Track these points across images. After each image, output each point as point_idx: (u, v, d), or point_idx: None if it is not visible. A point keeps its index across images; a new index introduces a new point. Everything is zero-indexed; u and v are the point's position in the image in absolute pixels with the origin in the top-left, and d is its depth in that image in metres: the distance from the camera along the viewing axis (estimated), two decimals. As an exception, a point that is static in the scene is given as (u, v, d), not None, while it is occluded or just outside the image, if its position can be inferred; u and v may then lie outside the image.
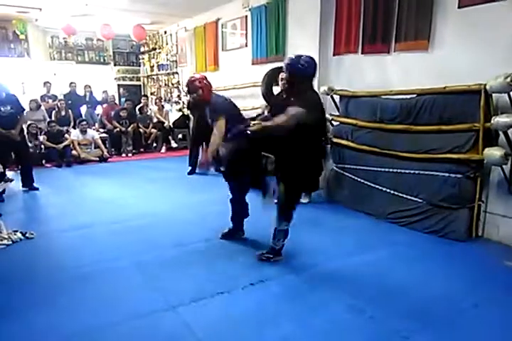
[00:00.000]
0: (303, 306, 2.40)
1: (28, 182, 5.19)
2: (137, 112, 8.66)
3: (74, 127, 7.79)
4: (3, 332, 2.15)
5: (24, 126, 5.70)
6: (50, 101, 8.37)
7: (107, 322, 2.23)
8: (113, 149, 8.14)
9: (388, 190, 3.92)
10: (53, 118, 7.70)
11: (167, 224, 3.91)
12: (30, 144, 6.24)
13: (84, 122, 7.48)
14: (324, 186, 4.69)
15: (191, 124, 6.60)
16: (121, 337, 2.13)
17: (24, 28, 8.59)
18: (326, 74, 4.99)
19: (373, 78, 4.39)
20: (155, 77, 10.34)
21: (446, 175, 3.47)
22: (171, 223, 3.93)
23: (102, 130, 8.30)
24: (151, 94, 10.43)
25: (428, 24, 3.81)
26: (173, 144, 8.86)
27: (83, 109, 8.98)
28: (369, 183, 4.14)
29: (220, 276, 2.76)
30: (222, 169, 3.23)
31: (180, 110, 8.76)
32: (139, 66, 10.95)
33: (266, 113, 5.72)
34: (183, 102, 8.52)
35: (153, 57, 10.22)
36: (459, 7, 3.57)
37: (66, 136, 7.29)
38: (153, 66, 10.32)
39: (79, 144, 7.27)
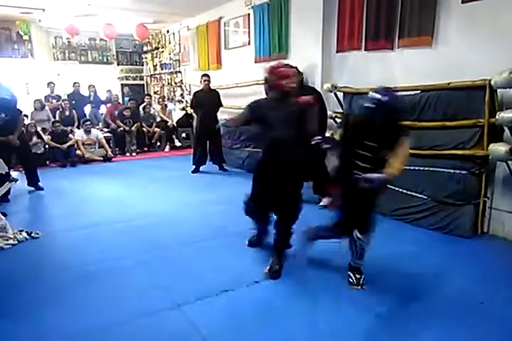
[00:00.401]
0: (308, 304, 2.39)
1: (33, 182, 5.22)
2: (141, 111, 8.68)
3: (78, 127, 7.82)
4: (8, 332, 2.16)
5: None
6: (54, 101, 8.41)
7: (112, 321, 2.23)
8: (117, 149, 8.16)
9: (393, 187, 3.89)
10: (57, 119, 7.74)
11: (171, 223, 3.92)
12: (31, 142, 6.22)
13: (88, 122, 7.50)
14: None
15: (195, 123, 6.59)
16: (126, 336, 2.13)
17: (28, 29, 8.63)
18: (330, 72, 4.98)
19: (377, 75, 4.37)
20: (158, 76, 10.36)
21: (451, 171, 3.45)
22: (174, 222, 3.93)
23: (105, 129, 8.32)
24: (155, 93, 10.44)
25: (431, 20, 3.79)
26: (177, 143, 8.87)
27: (87, 109, 9.02)
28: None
29: (224, 274, 2.76)
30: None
31: (183, 109, 8.77)
32: (142, 65, 10.96)
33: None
34: (186, 101, 8.53)
35: (156, 57, 10.23)
36: (462, 2, 3.55)
37: (70, 136, 7.31)
38: (156, 65, 10.33)
39: (83, 144, 7.29)
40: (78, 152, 7.17)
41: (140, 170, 6.55)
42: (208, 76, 6.10)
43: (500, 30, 3.28)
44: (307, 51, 5.23)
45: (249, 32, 6.48)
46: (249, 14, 6.38)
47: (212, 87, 6.23)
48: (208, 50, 7.64)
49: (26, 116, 6.70)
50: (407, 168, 3.74)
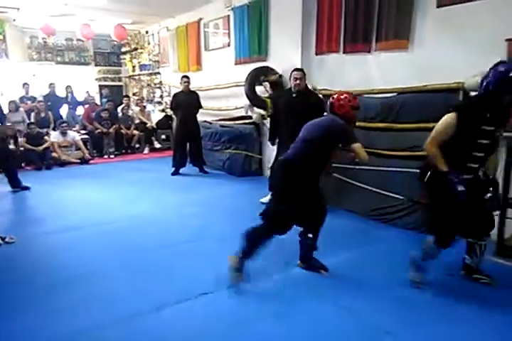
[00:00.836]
0: (287, 305, 2.40)
1: (16, 183, 5.12)
2: (119, 113, 8.56)
3: (54, 129, 7.65)
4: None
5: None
6: (29, 102, 8.20)
7: (89, 326, 2.18)
8: (95, 151, 8.02)
9: (371, 188, 3.95)
10: (33, 120, 7.55)
11: (150, 225, 3.87)
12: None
13: (65, 124, 7.36)
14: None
15: (174, 125, 6.54)
16: (105, 340, 2.09)
17: (2, 28, 8.44)
18: (309, 74, 4.99)
19: (355, 77, 4.43)
20: (137, 77, 10.24)
21: (427, 172, 3.51)
22: (153, 225, 3.89)
23: (83, 131, 8.18)
24: (134, 94, 10.32)
25: (408, 24, 3.87)
26: (157, 145, 8.78)
27: (64, 111, 8.83)
28: (352, 181, 4.17)
29: (203, 277, 2.74)
30: None
31: (163, 110, 8.70)
32: (121, 66, 10.83)
33: (249, 112, 5.75)
34: (166, 103, 8.46)
35: (135, 57, 10.12)
36: (437, 6, 3.64)
37: (46, 138, 7.14)
38: (134, 66, 10.22)
39: (59, 146, 7.13)
40: (54, 154, 7.01)
41: (118, 173, 6.45)
42: (188, 77, 6.07)
43: (474, 34, 3.38)
44: (287, 53, 5.27)
45: (229, 33, 6.48)
46: (229, 16, 6.38)
47: (192, 89, 6.20)
48: (188, 52, 7.60)
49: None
50: (385, 169, 3.82)
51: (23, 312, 2.34)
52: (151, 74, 9.52)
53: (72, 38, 9.78)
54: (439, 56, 3.64)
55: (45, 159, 6.85)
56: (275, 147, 4.48)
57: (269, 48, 5.67)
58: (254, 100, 5.51)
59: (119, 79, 10.90)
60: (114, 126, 8.07)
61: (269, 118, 5.16)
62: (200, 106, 6.20)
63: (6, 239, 3.43)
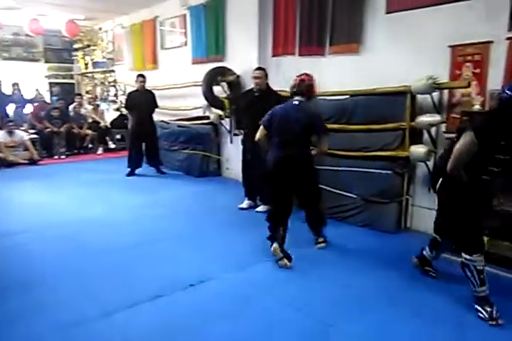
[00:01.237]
0: (243, 304, 2.41)
1: None
2: (71, 112, 8.22)
3: (0, 128, 7.23)
4: None
5: None
6: (-28, 100, 7.73)
7: (36, 333, 2.10)
8: (44, 151, 7.64)
9: (325, 187, 4.04)
10: (-25, 119, 7.12)
11: (103, 228, 3.75)
12: None
13: (11, 122, 6.99)
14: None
15: (130, 124, 6.37)
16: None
17: None
18: (266, 75, 5.06)
19: (310, 79, 4.52)
20: (90, 74, 9.89)
21: (378, 171, 3.66)
22: (107, 227, 3.77)
23: (31, 131, 7.78)
24: (87, 92, 9.95)
25: (359, 28, 4.00)
26: (111, 145, 8.51)
27: (10, 109, 8.37)
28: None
29: (158, 279, 2.70)
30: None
31: (117, 110, 8.46)
32: (73, 63, 10.40)
33: (207, 112, 5.72)
34: (121, 101, 8.23)
35: (88, 55, 9.76)
36: (386, 12, 3.79)
37: (-10, 137, 6.75)
38: (87, 63, 9.85)
39: (6, 146, 6.76)
40: (0, 155, 6.63)
41: (70, 174, 6.19)
42: (144, 76, 5.94)
43: (421, 39, 3.54)
44: (244, 54, 5.29)
45: (186, 33, 6.41)
46: (185, 15, 6.31)
47: (148, 88, 6.07)
48: (144, 50, 7.44)
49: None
50: (338, 168, 3.93)
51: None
52: (105, 71, 9.22)
53: (20, 33, 9.28)
54: (388, 60, 3.79)
55: (-10, 160, 6.47)
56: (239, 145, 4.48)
57: (226, 49, 5.66)
58: (212, 100, 5.51)
59: (71, 77, 10.47)
60: (65, 125, 7.74)
61: (227, 119, 5.16)
62: (156, 106, 6.09)
63: None
